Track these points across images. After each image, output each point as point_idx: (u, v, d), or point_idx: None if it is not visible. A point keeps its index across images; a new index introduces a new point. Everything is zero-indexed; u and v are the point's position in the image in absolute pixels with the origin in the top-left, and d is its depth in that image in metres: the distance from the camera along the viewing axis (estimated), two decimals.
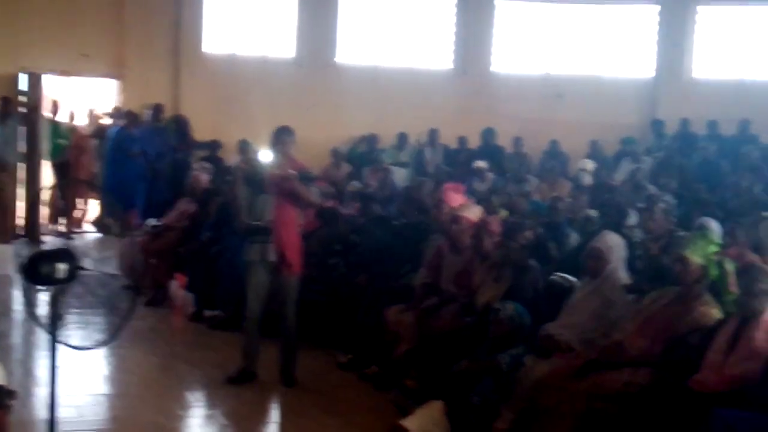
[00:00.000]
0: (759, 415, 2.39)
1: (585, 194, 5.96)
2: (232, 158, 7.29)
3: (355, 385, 4.34)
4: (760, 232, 4.19)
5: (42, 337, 3.04)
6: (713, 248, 3.21)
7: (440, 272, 4.38)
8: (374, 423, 3.71)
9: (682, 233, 3.90)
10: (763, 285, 2.68)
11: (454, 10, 9.74)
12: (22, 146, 7.81)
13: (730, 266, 3.18)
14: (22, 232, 7.63)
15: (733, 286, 3.01)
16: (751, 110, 8.62)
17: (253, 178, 4.41)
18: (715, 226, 4.12)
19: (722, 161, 7.64)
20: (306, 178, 4.20)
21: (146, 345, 4.85)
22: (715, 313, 2.94)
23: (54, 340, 2.21)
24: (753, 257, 3.65)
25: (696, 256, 3.07)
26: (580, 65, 10.05)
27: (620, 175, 7.35)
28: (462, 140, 8.72)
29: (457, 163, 8.14)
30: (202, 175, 6.51)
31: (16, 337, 5.02)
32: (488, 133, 8.60)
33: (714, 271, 3.10)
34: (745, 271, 2.90)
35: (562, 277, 3.92)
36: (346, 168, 8.04)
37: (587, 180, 6.92)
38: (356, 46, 9.70)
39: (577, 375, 3.06)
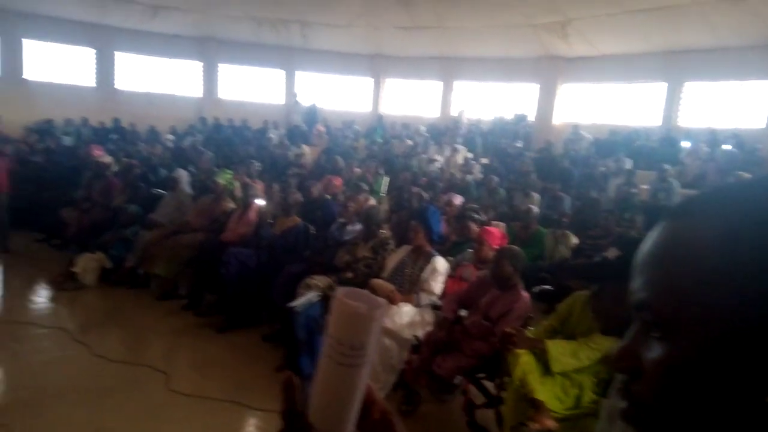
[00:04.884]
0: (249, 250, 5.44)
1: (169, 151, 11.25)
2: None
3: (41, 248, 7.41)
4: (250, 168, 8.12)
5: None
6: (229, 176, 6.76)
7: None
8: (52, 268, 5.99)
9: (217, 170, 7.34)
10: (251, 192, 6.17)
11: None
12: None
13: (236, 183, 6.79)
14: None
15: (238, 191, 6.58)
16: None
17: None
18: (230, 167, 7.88)
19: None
20: (5, 140, 6.97)
21: None
22: (231, 205, 6.38)
23: None
24: (245, 179, 7.41)
25: (222, 180, 6.50)
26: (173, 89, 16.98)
27: (187, 143, 12.55)
28: (102, 123, 14.34)
29: (100, 135, 13.33)
30: None
31: None
32: (116, 121, 14.43)
33: (230, 186, 6.64)
34: (244, 186, 6.50)
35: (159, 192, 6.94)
36: (35, 137, 11.85)
37: (170, 145, 12.36)
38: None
39: (166, 237, 6.06)
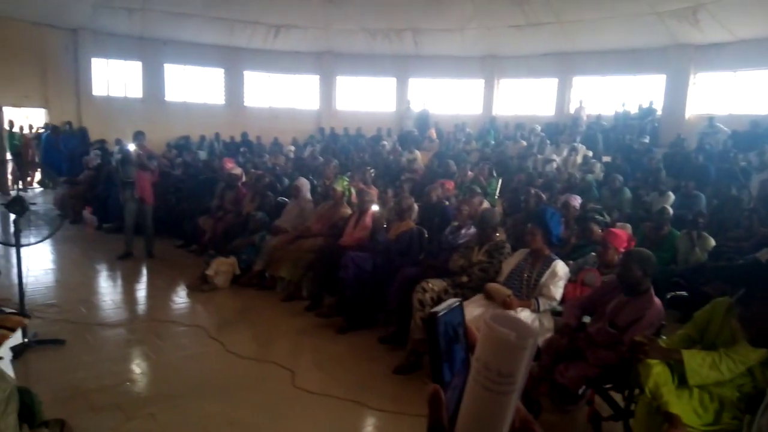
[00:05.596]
0: (365, 254, 5.64)
1: (291, 161, 11.74)
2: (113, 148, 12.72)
3: (181, 253, 8.10)
4: (365, 174, 8.34)
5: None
6: (345, 182, 6.98)
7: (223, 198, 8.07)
8: (190, 272, 6.61)
9: (341, 177, 7.64)
10: (367, 198, 6.35)
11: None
12: None
13: (352, 189, 7.00)
14: None
15: (354, 197, 6.78)
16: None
17: (126, 157, 7.30)
18: (346, 174, 8.14)
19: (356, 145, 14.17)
20: (151, 157, 7.32)
21: (72, 243, 8.46)
22: (348, 211, 6.60)
23: (18, 241, 4.48)
24: (361, 186, 7.61)
25: (338, 186, 6.73)
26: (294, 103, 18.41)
27: (307, 153, 13.50)
28: (232, 138, 16.06)
29: (230, 148, 14.81)
30: (93, 158, 11.98)
31: None
32: (244, 135, 16.02)
33: (347, 193, 6.85)
34: (360, 192, 6.66)
35: (283, 200, 7.37)
36: (174, 152, 13.28)
37: (291, 155, 12.97)
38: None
39: (290, 242, 6.40)
